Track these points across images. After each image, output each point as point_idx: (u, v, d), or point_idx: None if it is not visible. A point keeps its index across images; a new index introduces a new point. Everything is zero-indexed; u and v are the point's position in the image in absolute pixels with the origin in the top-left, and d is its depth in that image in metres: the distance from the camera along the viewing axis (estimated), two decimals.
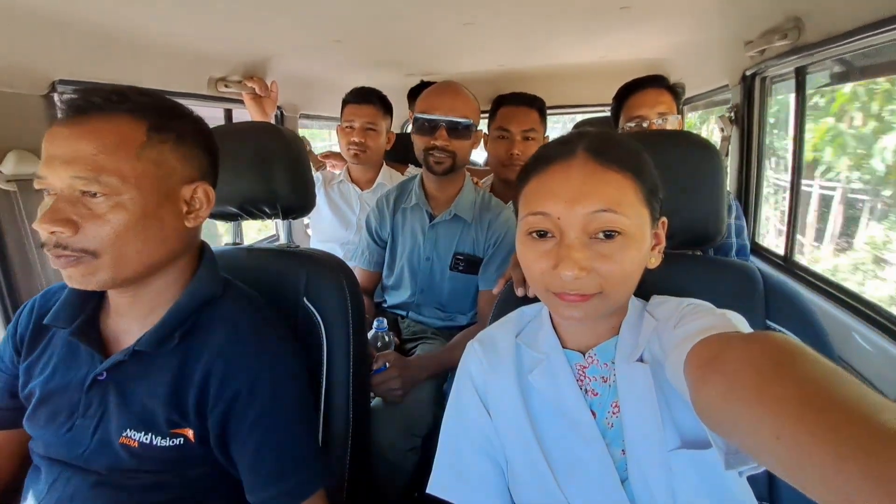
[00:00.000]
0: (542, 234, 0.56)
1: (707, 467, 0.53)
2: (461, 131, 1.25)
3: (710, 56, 1.67)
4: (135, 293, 0.66)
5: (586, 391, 0.61)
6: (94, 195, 0.57)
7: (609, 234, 0.54)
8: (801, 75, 1.29)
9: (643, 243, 0.56)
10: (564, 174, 0.55)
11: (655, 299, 0.64)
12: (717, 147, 1.76)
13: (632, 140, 0.61)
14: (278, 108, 1.83)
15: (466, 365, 0.69)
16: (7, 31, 0.92)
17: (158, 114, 0.62)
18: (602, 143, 0.57)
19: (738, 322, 0.50)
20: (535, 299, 0.79)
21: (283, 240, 1.05)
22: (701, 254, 0.87)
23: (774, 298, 0.72)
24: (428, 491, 0.65)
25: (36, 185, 0.59)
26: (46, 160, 0.57)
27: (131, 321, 0.68)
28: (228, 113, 1.75)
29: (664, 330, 0.56)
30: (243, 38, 1.37)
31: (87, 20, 1.03)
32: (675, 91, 1.43)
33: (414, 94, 1.59)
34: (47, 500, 0.65)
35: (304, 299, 0.86)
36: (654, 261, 0.61)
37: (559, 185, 0.55)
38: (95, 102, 0.58)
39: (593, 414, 0.59)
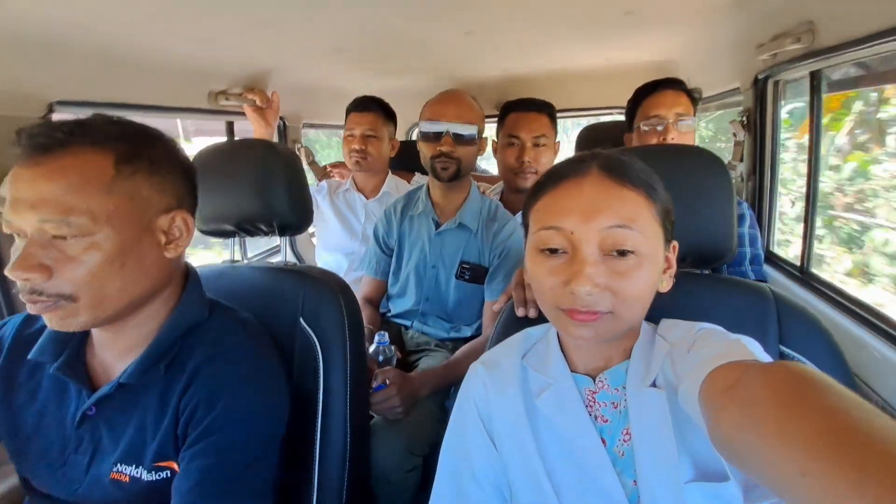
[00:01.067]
0: (554, 251, 0.55)
1: (723, 501, 0.51)
2: (466, 138, 1.27)
3: (720, 59, 1.62)
4: (119, 328, 0.64)
5: (596, 417, 0.59)
6: (65, 238, 0.54)
7: (623, 252, 0.53)
8: (815, 79, 1.24)
9: (657, 264, 0.56)
10: (578, 189, 0.55)
11: (666, 322, 0.62)
12: (730, 152, 1.72)
13: (642, 162, 0.60)
14: (281, 118, 1.83)
15: (469, 388, 0.67)
16: (3, 55, 0.92)
17: (127, 142, 0.59)
18: (615, 162, 0.56)
19: (755, 349, 0.48)
20: (536, 321, 0.77)
21: (283, 253, 1.04)
22: (710, 272, 0.83)
23: (788, 321, 0.69)
24: None
25: (4, 229, 0.57)
26: (12, 204, 0.54)
27: (117, 354, 0.66)
28: (230, 125, 1.75)
29: (677, 354, 0.55)
30: (242, 51, 1.36)
31: (83, 41, 1.04)
32: (692, 95, 1.39)
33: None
34: None
35: (302, 320, 0.85)
36: (665, 284, 0.59)
37: (572, 201, 0.54)
38: (58, 138, 0.55)
39: (603, 441, 0.57)
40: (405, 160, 2.05)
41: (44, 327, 0.69)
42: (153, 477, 0.62)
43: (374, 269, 1.49)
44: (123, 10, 0.92)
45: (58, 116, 1.06)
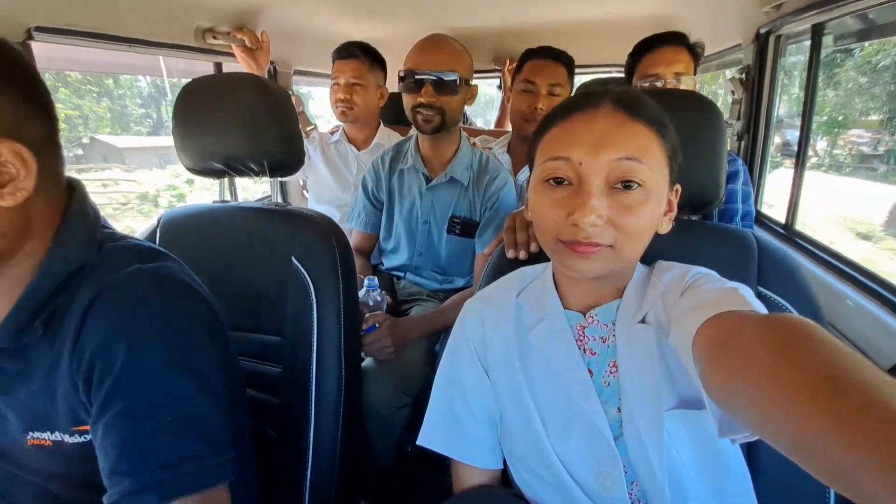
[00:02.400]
0: (559, 182, 0.55)
1: (701, 428, 0.54)
2: (448, 85, 1.20)
3: (721, 12, 1.59)
4: None
5: (584, 350, 0.61)
6: None
7: (628, 185, 0.53)
8: (817, 34, 1.22)
9: (661, 201, 0.56)
10: (590, 122, 0.54)
11: (661, 264, 0.63)
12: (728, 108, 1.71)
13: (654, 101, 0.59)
14: (271, 63, 1.77)
15: (464, 321, 0.69)
16: None
17: None
18: (628, 96, 0.56)
19: (750, 297, 0.49)
20: (528, 262, 0.79)
21: (273, 195, 1.03)
22: (697, 219, 0.85)
23: (767, 265, 0.71)
24: (418, 442, 0.67)
25: None
26: None
27: None
28: (219, 66, 1.69)
29: (670, 296, 0.56)
30: None
31: None
32: (694, 51, 1.36)
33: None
34: None
35: (294, 259, 0.85)
36: (665, 226, 0.59)
37: (583, 132, 0.54)
38: None
39: (590, 372, 0.60)
40: (402, 114, 2.00)
41: None
42: (78, 439, 0.54)
43: (364, 223, 1.48)
44: None
45: (37, 44, 1.01)
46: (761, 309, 0.48)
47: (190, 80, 0.88)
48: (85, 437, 0.53)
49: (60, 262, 0.52)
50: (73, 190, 0.56)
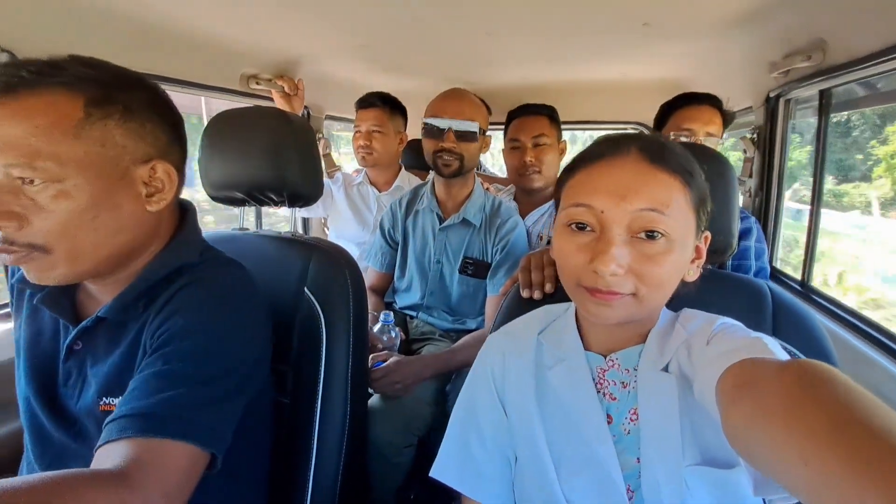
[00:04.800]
0: (582, 227, 0.55)
1: (725, 489, 0.52)
2: (468, 134, 1.30)
3: (732, 77, 1.67)
4: (103, 284, 0.63)
5: (604, 394, 0.60)
6: (32, 182, 0.52)
7: (651, 235, 0.52)
8: (825, 98, 1.28)
9: (685, 251, 0.55)
10: (614, 169, 0.54)
11: (686, 312, 0.62)
12: (740, 166, 1.75)
13: (684, 149, 0.59)
14: (305, 107, 1.90)
15: (486, 354, 0.69)
16: (51, 23, 0.98)
17: (100, 85, 0.55)
18: (655, 145, 0.55)
19: (774, 347, 0.48)
20: (542, 302, 0.79)
21: (292, 224, 1.06)
22: (711, 267, 0.86)
23: (782, 316, 0.71)
24: (430, 474, 0.66)
25: None
26: None
27: (102, 292, 0.65)
28: None
29: (695, 345, 0.55)
30: (275, 37, 1.42)
31: (126, 9, 1.09)
32: (725, 117, 1.40)
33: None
34: (41, 463, 0.64)
35: (307, 290, 0.85)
36: (692, 274, 0.59)
37: (607, 180, 0.54)
38: (24, 78, 0.51)
39: (609, 418, 0.58)
40: (422, 158, 2.08)
41: None
42: None
43: (380, 263, 1.52)
44: None
45: None
46: (785, 358, 0.47)
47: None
48: None
49: (172, 260, 0.64)
50: (187, 209, 0.70)
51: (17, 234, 0.53)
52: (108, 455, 0.49)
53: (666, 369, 0.57)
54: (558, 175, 0.64)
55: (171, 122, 0.63)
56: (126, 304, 0.61)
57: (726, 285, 0.77)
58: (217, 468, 0.56)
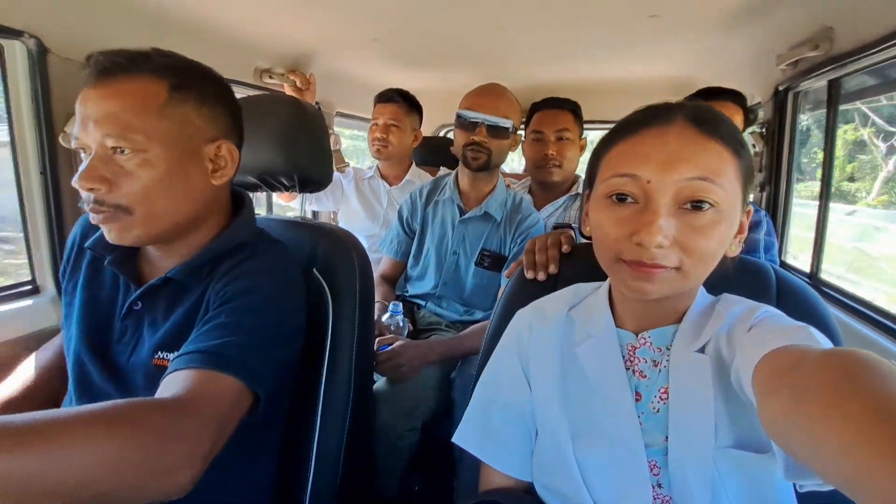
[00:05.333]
0: (623, 199, 0.52)
1: (756, 474, 0.50)
2: (500, 131, 1.31)
3: (740, 71, 1.67)
4: (166, 249, 0.71)
5: (634, 372, 0.58)
6: (123, 151, 0.61)
7: (699, 205, 0.49)
8: (833, 88, 1.28)
9: (733, 223, 0.52)
10: (660, 138, 0.51)
11: (728, 297, 0.60)
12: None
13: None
14: (316, 103, 1.93)
15: (514, 327, 0.68)
16: (70, 8, 1.02)
17: (178, 74, 0.65)
18: (704, 112, 0.53)
19: (819, 336, 0.46)
20: (548, 285, 0.79)
21: (300, 209, 1.08)
22: None
23: (786, 297, 0.71)
24: (453, 440, 0.66)
25: (73, 146, 0.64)
26: (81, 122, 0.62)
27: (164, 265, 0.72)
28: None
29: (736, 331, 0.53)
30: (288, 31, 1.46)
31: (143, 2, 1.13)
32: (747, 115, 1.38)
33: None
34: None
35: (315, 270, 0.86)
36: (735, 248, 0.56)
37: (653, 148, 0.51)
38: (120, 63, 0.61)
39: (638, 396, 0.57)
40: (432, 156, 2.10)
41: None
42: None
43: (395, 251, 1.53)
44: None
45: None
46: (828, 346, 0.45)
47: None
48: None
49: (234, 236, 0.73)
50: (243, 198, 0.80)
51: (107, 196, 0.62)
52: (174, 381, 0.56)
53: (702, 351, 0.55)
54: (594, 148, 0.63)
55: (234, 109, 0.72)
56: (194, 267, 0.69)
57: (729, 265, 0.77)
58: (258, 411, 0.63)
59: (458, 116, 1.34)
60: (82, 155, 0.64)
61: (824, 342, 0.45)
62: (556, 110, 1.54)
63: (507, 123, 1.31)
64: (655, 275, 0.50)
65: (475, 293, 1.42)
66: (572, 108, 1.55)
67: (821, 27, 1.14)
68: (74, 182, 0.61)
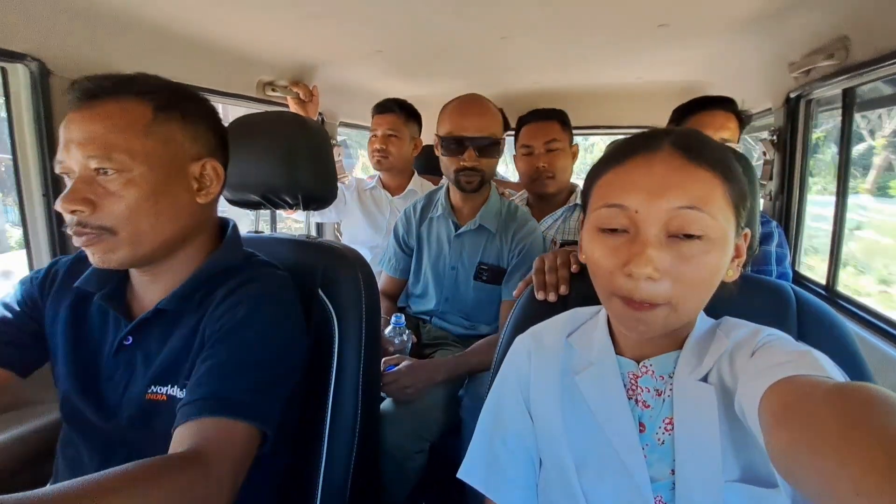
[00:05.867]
0: (614, 231, 0.52)
1: None
2: (489, 149, 1.27)
3: (751, 78, 1.64)
4: (155, 273, 0.70)
5: (636, 402, 0.57)
6: (106, 172, 0.61)
7: (689, 236, 0.49)
8: (848, 97, 1.25)
9: (726, 251, 0.51)
10: (647, 167, 0.51)
11: (729, 321, 0.59)
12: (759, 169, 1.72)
13: (720, 143, 0.57)
14: (320, 114, 1.92)
15: (513, 356, 0.67)
16: (66, 23, 1.01)
17: (163, 95, 0.66)
18: (690, 138, 0.52)
19: (825, 362, 0.45)
20: (558, 306, 0.77)
21: (306, 227, 1.07)
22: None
23: (807, 319, 0.68)
24: (458, 475, 0.65)
25: (56, 170, 0.64)
26: (64, 145, 0.62)
27: (154, 294, 0.71)
28: None
29: (738, 356, 0.52)
30: (291, 44, 1.45)
31: (147, 16, 1.12)
32: (741, 119, 1.36)
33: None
34: (85, 459, 0.68)
35: (320, 290, 0.85)
36: (732, 273, 0.55)
37: (640, 177, 0.51)
38: (105, 87, 0.62)
39: (642, 426, 0.56)
40: (434, 164, 2.07)
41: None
42: None
43: (394, 268, 1.52)
44: None
45: None
46: (837, 376, 0.44)
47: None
48: None
49: (221, 260, 0.73)
50: (228, 222, 0.80)
51: (90, 218, 0.61)
52: (188, 433, 0.57)
53: (705, 379, 0.54)
54: (586, 176, 0.62)
55: (219, 128, 0.73)
56: (185, 295, 0.69)
57: (746, 287, 0.74)
58: (267, 447, 0.63)
59: (443, 140, 1.28)
60: (66, 179, 0.63)
61: (830, 368, 0.44)
62: (542, 122, 1.53)
63: (495, 139, 1.27)
64: (647, 314, 0.50)
65: (477, 307, 1.39)
66: (559, 117, 1.53)
67: (836, 36, 1.11)
68: (57, 205, 0.61)
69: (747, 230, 0.56)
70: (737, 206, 0.52)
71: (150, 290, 0.71)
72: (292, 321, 0.72)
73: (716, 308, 0.62)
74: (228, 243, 0.75)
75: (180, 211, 0.67)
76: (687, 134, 0.53)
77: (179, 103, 0.67)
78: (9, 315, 0.74)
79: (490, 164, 1.30)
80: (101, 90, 0.62)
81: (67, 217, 0.62)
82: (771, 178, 1.62)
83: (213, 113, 0.73)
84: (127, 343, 0.69)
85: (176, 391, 0.66)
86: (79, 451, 0.70)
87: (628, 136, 0.59)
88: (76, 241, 0.63)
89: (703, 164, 0.50)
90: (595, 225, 0.54)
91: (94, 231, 0.62)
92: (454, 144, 1.26)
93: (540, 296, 0.81)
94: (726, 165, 0.52)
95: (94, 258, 0.64)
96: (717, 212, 0.50)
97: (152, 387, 0.66)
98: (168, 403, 0.65)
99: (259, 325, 0.66)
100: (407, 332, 1.25)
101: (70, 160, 0.61)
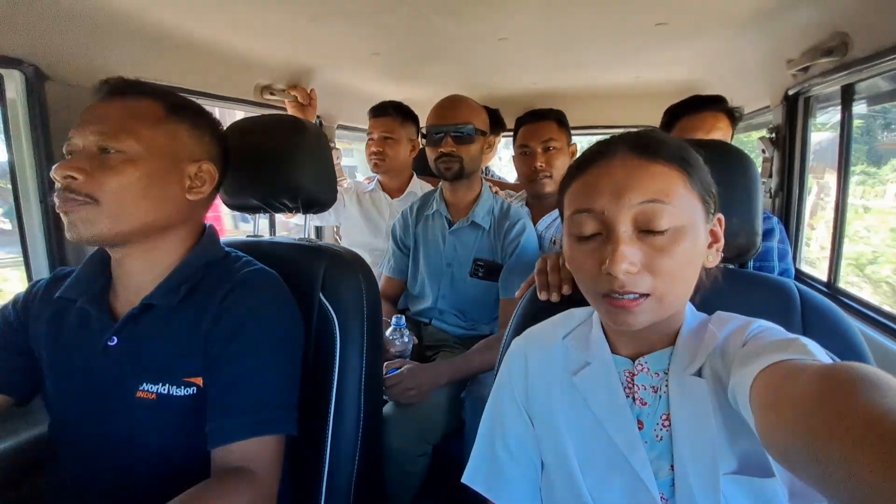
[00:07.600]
0: (589, 236, 0.54)
1: (762, 499, 0.49)
2: (465, 137, 1.33)
3: (749, 75, 1.64)
4: (132, 259, 0.72)
5: (634, 399, 0.58)
6: (109, 151, 0.64)
7: (657, 228, 0.51)
8: (847, 94, 1.24)
9: (697, 237, 0.53)
10: (607, 171, 0.54)
11: (720, 315, 0.60)
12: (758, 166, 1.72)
13: (676, 138, 0.59)
14: (318, 117, 1.92)
15: (510, 362, 0.68)
16: (62, 26, 1.01)
17: (175, 100, 0.73)
18: (642, 139, 0.55)
19: (814, 348, 0.46)
20: (561, 305, 0.78)
21: (305, 230, 1.07)
22: (734, 266, 0.83)
23: (811, 315, 0.68)
24: (462, 481, 0.66)
25: (64, 150, 0.67)
26: (80, 126, 0.66)
27: (135, 291, 0.72)
28: None
29: (730, 348, 0.53)
30: (289, 47, 1.45)
31: (145, 22, 1.12)
32: (733, 116, 1.36)
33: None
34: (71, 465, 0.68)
35: (321, 294, 0.85)
36: (712, 259, 0.57)
37: (601, 180, 0.54)
38: (131, 85, 0.70)
39: (640, 424, 0.57)
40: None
41: (69, 276, 0.75)
42: (182, 392, 0.67)
43: (392, 269, 1.54)
44: None
45: None
46: (826, 360, 0.44)
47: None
48: (189, 391, 0.68)
49: (202, 254, 0.76)
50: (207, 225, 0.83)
51: (80, 185, 0.63)
52: (228, 457, 0.64)
53: (699, 374, 0.55)
54: (559, 189, 0.64)
55: (222, 139, 0.79)
56: (171, 288, 0.71)
57: (750, 285, 0.74)
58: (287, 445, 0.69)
59: (426, 134, 1.36)
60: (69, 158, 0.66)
61: (819, 354, 0.45)
62: (539, 122, 1.54)
63: (470, 128, 1.33)
64: (632, 307, 0.52)
65: (474, 305, 1.41)
66: (556, 116, 1.54)
67: (834, 33, 1.11)
68: (52, 172, 0.63)
69: (720, 214, 0.59)
70: (701, 194, 0.55)
71: (132, 283, 0.73)
72: (289, 313, 0.76)
73: (719, 305, 0.62)
74: (206, 238, 0.78)
75: (167, 200, 0.70)
76: (639, 135, 0.57)
77: (189, 108, 0.74)
78: None
79: (469, 152, 1.34)
80: (128, 87, 0.70)
81: (57, 185, 0.64)
82: (770, 176, 1.62)
83: (218, 126, 0.78)
84: (112, 344, 0.69)
85: (168, 389, 0.67)
86: (66, 461, 0.71)
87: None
88: (58, 208, 0.64)
89: (658, 160, 0.53)
90: (572, 233, 0.57)
91: (79, 198, 0.63)
92: (434, 135, 1.34)
93: (542, 296, 0.82)
94: (682, 158, 0.54)
95: (71, 229, 0.65)
96: (681, 201, 0.52)
97: (143, 384, 0.67)
98: (156, 402, 0.67)
99: (267, 327, 0.70)
100: (408, 333, 1.25)
101: (78, 138, 0.65)
